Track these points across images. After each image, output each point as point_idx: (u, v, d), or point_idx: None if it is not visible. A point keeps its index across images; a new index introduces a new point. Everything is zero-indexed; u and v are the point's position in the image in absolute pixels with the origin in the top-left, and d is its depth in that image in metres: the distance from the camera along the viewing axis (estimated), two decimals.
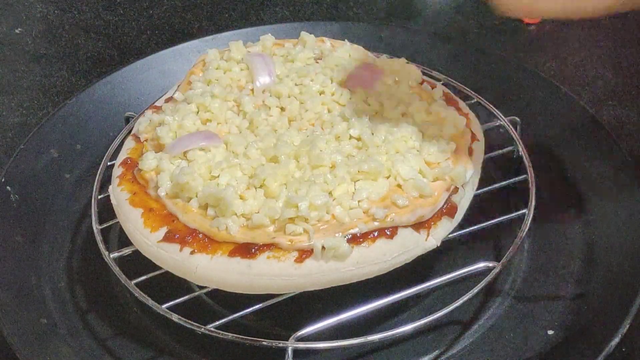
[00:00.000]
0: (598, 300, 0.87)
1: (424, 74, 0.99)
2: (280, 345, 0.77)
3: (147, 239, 0.81)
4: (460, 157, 0.86)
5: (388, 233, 0.79)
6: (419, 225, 0.81)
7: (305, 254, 0.77)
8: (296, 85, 0.92)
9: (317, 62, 0.98)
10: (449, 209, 0.83)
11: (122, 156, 0.91)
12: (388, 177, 0.81)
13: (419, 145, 0.85)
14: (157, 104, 0.97)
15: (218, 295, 0.83)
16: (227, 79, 0.96)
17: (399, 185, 0.81)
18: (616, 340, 0.79)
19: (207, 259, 0.78)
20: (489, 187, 0.94)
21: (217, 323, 0.79)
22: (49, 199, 1.01)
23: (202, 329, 0.78)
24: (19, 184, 0.99)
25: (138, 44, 1.36)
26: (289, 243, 0.77)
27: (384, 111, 0.89)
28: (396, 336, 0.81)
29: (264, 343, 0.77)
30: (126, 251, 0.85)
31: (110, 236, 0.97)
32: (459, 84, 1.04)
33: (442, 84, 1.01)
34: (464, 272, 0.83)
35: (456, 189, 0.84)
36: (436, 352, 0.85)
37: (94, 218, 0.89)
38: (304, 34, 1.01)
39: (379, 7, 1.44)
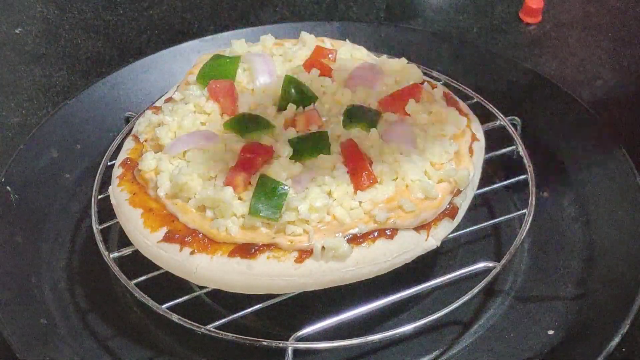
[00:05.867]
0: (598, 300, 0.87)
1: (424, 74, 0.99)
2: (280, 345, 0.77)
3: (147, 239, 0.81)
4: (462, 158, 0.86)
5: (388, 233, 0.79)
6: (420, 226, 0.81)
7: (305, 254, 0.77)
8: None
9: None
10: (450, 211, 0.83)
11: (121, 156, 0.91)
12: (395, 179, 0.81)
13: (422, 145, 0.85)
14: (156, 104, 0.97)
15: (218, 295, 0.83)
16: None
17: (407, 186, 0.81)
18: (616, 340, 0.79)
19: (207, 259, 0.78)
20: (489, 187, 0.94)
21: (217, 323, 0.79)
22: (49, 199, 1.01)
23: (202, 329, 0.78)
24: (19, 184, 0.99)
25: (138, 44, 1.36)
26: (289, 243, 0.77)
27: (384, 111, 0.89)
28: (396, 336, 0.81)
29: (264, 343, 0.77)
30: (126, 251, 0.85)
31: (110, 236, 0.97)
32: (459, 84, 1.04)
33: (442, 84, 1.01)
34: (464, 272, 0.83)
35: (459, 191, 0.84)
36: (436, 352, 0.85)
37: (94, 218, 0.89)
38: (304, 34, 1.01)
39: (379, 7, 1.44)
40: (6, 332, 0.83)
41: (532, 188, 0.90)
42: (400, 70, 0.96)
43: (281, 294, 0.80)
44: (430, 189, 0.80)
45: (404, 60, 0.98)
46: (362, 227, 0.78)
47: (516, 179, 0.95)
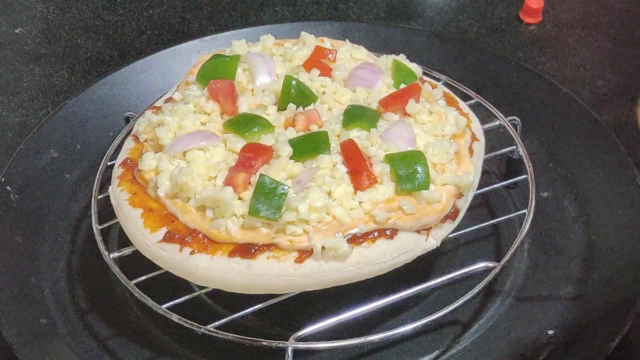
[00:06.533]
0: (598, 300, 0.87)
1: (424, 74, 0.99)
2: (280, 345, 0.77)
3: (147, 239, 0.81)
4: (462, 158, 0.86)
5: (388, 233, 0.79)
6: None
7: (305, 254, 0.77)
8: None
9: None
10: (451, 213, 0.83)
11: (121, 156, 0.91)
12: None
13: (422, 145, 0.85)
14: (157, 104, 0.97)
15: (218, 295, 0.83)
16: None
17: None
18: (616, 340, 0.79)
19: (207, 259, 0.78)
20: (489, 187, 0.94)
21: (217, 323, 0.79)
22: (49, 199, 1.01)
23: (202, 329, 0.78)
24: (19, 184, 0.99)
25: (138, 44, 1.36)
26: (289, 243, 0.77)
27: (384, 111, 0.89)
28: (396, 336, 0.81)
29: (264, 343, 0.77)
30: (126, 251, 0.85)
31: (110, 236, 0.97)
32: (459, 84, 1.04)
33: (442, 84, 1.01)
34: (464, 272, 0.83)
35: (461, 194, 0.84)
36: (436, 352, 0.85)
37: (94, 218, 0.89)
38: (304, 34, 1.01)
39: (379, 7, 1.44)
40: (6, 332, 0.83)
41: (532, 188, 0.90)
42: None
43: (281, 294, 0.80)
44: (431, 195, 0.80)
45: (402, 56, 0.98)
46: (362, 227, 0.78)
47: (516, 179, 0.95)
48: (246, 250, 0.78)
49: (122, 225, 0.86)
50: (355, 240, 0.78)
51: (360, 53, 0.99)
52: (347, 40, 1.02)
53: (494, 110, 1.00)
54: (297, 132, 0.87)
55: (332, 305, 0.82)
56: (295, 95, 0.90)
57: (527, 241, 0.95)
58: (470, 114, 0.95)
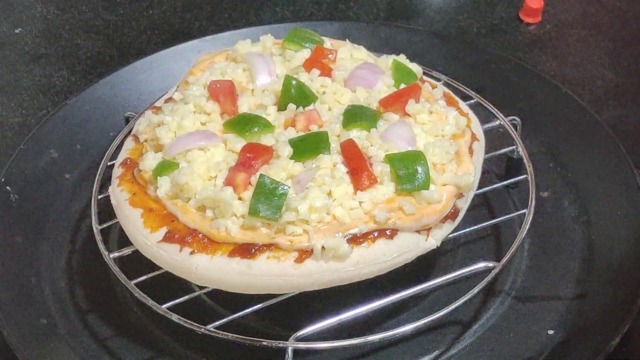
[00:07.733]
0: (598, 300, 0.87)
1: (424, 74, 0.99)
2: (280, 345, 0.77)
3: (147, 239, 0.81)
4: (462, 158, 0.86)
5: (388, 233, 0.79)
6: None
7: (305, 254, 0.77)
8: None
9: None
10: (451, 213, 0.83)
11: (122, 156, 0.91)
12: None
13: (422, 145, 0.85)
14: (157, 104, 0.97)
15: (218, 295, 0.83)
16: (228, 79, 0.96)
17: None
18: (616, 340, 0.79)
19: (207, 259, 0.78)
20: (489, 187, 0.94)
21: (217, 323, 0.79)
22: (49, 199, 1.01)
23: (202, 329, 0.78)
24: (19, 184, 0.99)
25: (138, 44, 1.36)
26: (289, 243, 0.77)
27: (384, 111, 0.89)
28: (396, 336, 0.81)
29: (264, 343, 0.77)
30: (126, 251, 0.85)
31: (110, 236, 0.97)
32: (459, 84, 1.04)
33: (442, 84, 1.01)
34: (464, 272, 0.83)
35: (461, 194, 0.84)
36: (436, 352, 0.85)
37: (94, 218, 0.89)
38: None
39: (379, 7, 1.44)
40: (6, 332, 0.83)
41: (532, 188, 0.90)
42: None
43: (281, 294, 0.80)
44: (431, 195, 0.80)
45: (402, 56, 0.98)
46: (362, 227, 0.78)
47: (516, 179, 0.95)
48: (246, 250, 0.78)
49: (122, 225, 0.86)
50: (355, 240, 0.78)
51: (360, 53, 0.99)
52: (347, 40, 1.02)
53: (494, 110, 1.00)
54: (297, 132, 0.87)
55: (332, 305, 0.82)
56: (295, 95, 0.90)
57: (527, 241, 0.95)
58: (470, 114, 0.95)
